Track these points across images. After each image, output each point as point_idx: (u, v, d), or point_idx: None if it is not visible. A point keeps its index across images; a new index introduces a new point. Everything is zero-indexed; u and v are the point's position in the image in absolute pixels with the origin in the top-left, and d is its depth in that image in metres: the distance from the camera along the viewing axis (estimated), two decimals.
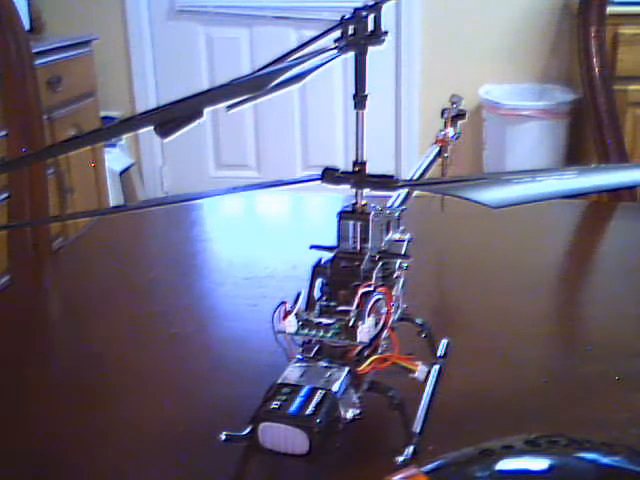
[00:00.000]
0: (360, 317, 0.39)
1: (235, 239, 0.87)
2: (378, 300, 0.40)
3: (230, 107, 0.30)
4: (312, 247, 0.43)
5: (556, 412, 0.48)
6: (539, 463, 0.33)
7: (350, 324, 0.39)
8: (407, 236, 0.47)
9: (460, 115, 0.63)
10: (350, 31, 0.38)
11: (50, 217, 1.09)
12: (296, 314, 0.40)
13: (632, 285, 0.70)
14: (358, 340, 0.39)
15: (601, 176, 0.44)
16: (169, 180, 3.29)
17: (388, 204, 0.49)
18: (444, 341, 0.50)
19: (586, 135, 2.52)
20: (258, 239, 0.86)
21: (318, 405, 0.36)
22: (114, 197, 2.73)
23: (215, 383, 0.54)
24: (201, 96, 0.29)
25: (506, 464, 0.33)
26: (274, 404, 0.36)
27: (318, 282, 0.42)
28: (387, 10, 0.39)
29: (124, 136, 2.84)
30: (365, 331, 0.39)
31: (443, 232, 0.82)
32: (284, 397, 0.36)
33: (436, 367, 0.46)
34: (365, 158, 0.41)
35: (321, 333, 0.40)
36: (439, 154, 0.61)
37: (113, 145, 2.86)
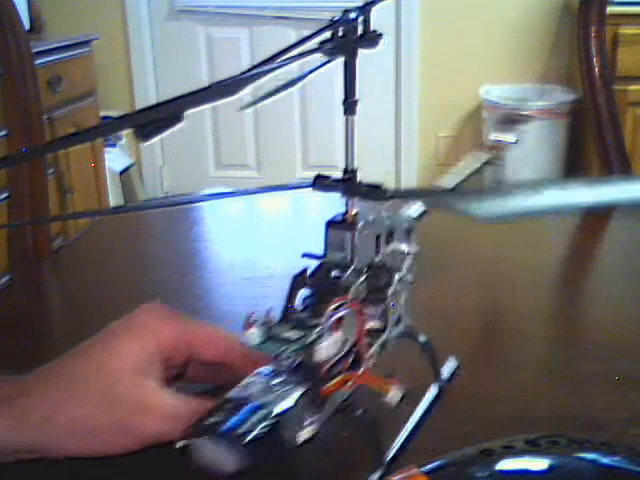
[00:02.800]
0: (322, 333, 0.36)
1: (235, 239, 0.87)
2: (353, 316, 0.37)
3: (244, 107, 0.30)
4: (304, 255, 0.41)
5: (556, 412, 0.48)
6: (539, 463, 0.33)
7: (308, 340, 0.36)
8: (412, 249, 0.43)
9: (519, 120, 0.60)
10: (340, 33, 0.36)
11: (50, 217, 1.09)
12: (266, 326, 0.38)
13: (632, 285, 0.70)
14: (315, 358, 0.36)
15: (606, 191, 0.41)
16: (169, 180, 3.29)
17: (403, 211, 0.45)
18: (452, 363, 0.46)
19: (586, 135, 2.52)
20: (258, 239, 0.86)
21: (255, 424, 0.33)
22: (114, 197, 2.74)
23: None
24: (180, 100, 0.29)
25: (506, 464, 0.33)
26: (211, 419, 0.34)
27: (300, 293, 0.40)
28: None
29: (124, 136, 2.84)
30: (324, 348, 0.36)
31: (443, 232, 0.82)
32: (224, 412, 0.34)
33: (433, 391, 0.43)
34: (356, 165, 0.39)
35: (282, 348, 0.37)
36: (489, 161, 0.57)
37: (113, 145, 2.87)
